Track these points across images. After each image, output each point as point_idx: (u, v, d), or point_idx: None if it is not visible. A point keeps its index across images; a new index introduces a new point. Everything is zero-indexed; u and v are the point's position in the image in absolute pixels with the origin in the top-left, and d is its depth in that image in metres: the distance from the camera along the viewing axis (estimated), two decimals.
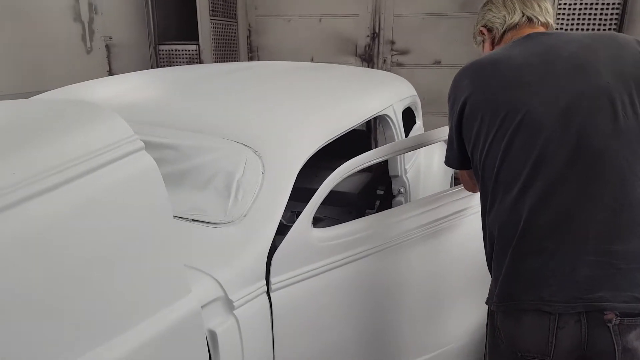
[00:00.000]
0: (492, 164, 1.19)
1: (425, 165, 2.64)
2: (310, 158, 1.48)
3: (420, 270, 1.64)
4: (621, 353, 1.06)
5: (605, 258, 1.07)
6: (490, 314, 1.24)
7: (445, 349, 1.80)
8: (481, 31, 1.43)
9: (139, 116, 1.63)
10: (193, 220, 1.30)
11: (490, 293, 1.24)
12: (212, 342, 1.10)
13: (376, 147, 2.92)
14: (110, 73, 4.28)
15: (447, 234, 1.68)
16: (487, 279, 1.28)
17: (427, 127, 3.29)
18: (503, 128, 1.16)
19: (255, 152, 1.41)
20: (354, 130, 1.82)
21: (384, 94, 2.18)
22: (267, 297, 1.24)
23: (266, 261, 1.24)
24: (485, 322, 1.29)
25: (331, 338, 1.44)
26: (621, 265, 1.06)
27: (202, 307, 1.06)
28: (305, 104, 1.75)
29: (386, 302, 1.59)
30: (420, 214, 1.61)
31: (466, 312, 1.83)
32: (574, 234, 1.09)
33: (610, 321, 1.06)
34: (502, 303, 1.18)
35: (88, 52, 4.06)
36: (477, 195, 1.61)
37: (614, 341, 1.06)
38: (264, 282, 1.24)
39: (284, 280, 1.27)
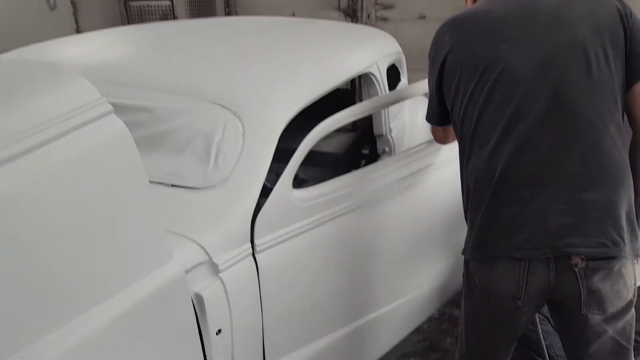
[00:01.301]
0: (470, 118, 1.21)
1: (410, 124, 2.61)
2: (295, 118, 1.46)
3: (395, 223, 1.70)
4: (586, 294, 1.13)
5: (576, 207, 1.12)
6: (465, 263, 1.29)
7: (418, 292, 1.91)
8: None
9: (110, 76, 1.56)
10: (172, 185, 1.27)
11: (465, 243, 1.29)
12: (198, 305, 1.10)
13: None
14: (78, 31, 4.07)
15: (419, 187, 1.75)
16: (458, 226, 1.31)
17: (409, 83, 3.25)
18: (482, 82, 1.17)
19: (234, 113, 1.37)
20: (337, 89, 1.80)
21: (367, 51, 2.11)
22: (252, 259, 1.24)
23: (250, 224, 1.23)
24: (462, 272, 1.34)
25: (316, 292, 1.48)
26: (591, 214, 1.11)
27: (186, 271, 1.06)
28: (286, 61, 1.69)
29: (365, 254, 1.64)
30: (395, 169, 1.66)
31: (437, 258, 1.97)
32: (547, 184, 1.13)
33: (576, 265, 1.12)
34: (476, 251, 1.23)
35: (52, 8, 3.83)
36: (447, 147, 1.72)
37: (580, 283, 1.13)
38: (249, 244, 1.23)
39: (268, 242, 1.26)
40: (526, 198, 1.14)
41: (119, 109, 1.37)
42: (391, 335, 1.90)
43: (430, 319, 2.38)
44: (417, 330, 2.29)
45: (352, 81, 2.74)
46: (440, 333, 2.30)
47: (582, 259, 1.11)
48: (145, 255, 0.96)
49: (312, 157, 1.69)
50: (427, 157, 1.79)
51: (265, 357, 1.34)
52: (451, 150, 1.73)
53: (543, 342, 1.49)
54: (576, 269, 1.12)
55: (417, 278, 1.90)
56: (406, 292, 1.85)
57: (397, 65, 2.76)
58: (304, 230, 1.37)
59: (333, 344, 1.57)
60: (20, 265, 0.78)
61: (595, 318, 1.16)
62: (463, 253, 1.30)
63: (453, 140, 1.44)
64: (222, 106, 1.39)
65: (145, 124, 1.40)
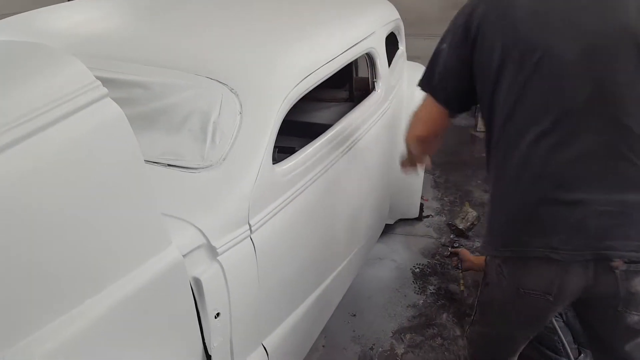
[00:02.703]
0: (503, 103, 1.10)
1: (408, 95, 2.56)
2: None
3: (352, 179, 1.84)
4: (625, 295, 1.10)
5: (617, 207, 1.06)
6: (491, 257, 1.24)
7: (364, 241, 2.12)
8: None
9: (103, 50, 1.50)
10: (169, 165, 1.24)
11: (490, 236, 1.22)
12: (197, 289, 1.09)
13: (356, 74, 2.82)
14: None
15: (367, 141, 1.91)
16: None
17: (409, 50, 3.17)
18: (519, 66, 1.06)
19: (231, 89, 1.33)
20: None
21: (368, 22, 2.04)
22: (250, 240, 1.23)
23: (248, 205, 1.21)
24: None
25: (301, 259, 1.52)
26: (634, 215, 1.06)
27: (184, 255, 1.04)
28: (285, 34, 1.63)
29: (336, 213, 1.74)
30: (351, 129, 1.76)
31: (377, 208, 2.26)
32: (589, 182, 1.07)
33: (617, 268, 1.07)
34: (506, 248, 1.17)
35: None
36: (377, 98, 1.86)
37: (619, 285, 1.09)
38: (248, 226, 1.22)
39: (260, 221, 1.26)
40: (565, 197, 1.07)
41: (113, 84, 1.35)
42: (345, 284, 2.06)
43: (426, 294, 2.44)
44: (413, 306, 2.35)
45: None
46: (436, 308, 2.34)
47: (623, 262, 1.07)
48: (144, 240, 0.94)
49: (308, 129, 1.67)
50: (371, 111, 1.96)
51: (260, 334, 1.35)
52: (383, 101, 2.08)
53: (560, 335, 1.51)
54: (617, 272, 1.08)
55: (367, 228, 2.11)
56: (359, 242, 2.03)
57: (396, 33, 2.69)
58: (288, 202, 1.38)
59: (313, 304, 1.63)
60: (17, 254, 0.76)
61: (633, 317, 1.13)
62: (484, 248, 1.25)
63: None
64: (219, 82, 1.34)
65: (140, 100, 1.35)
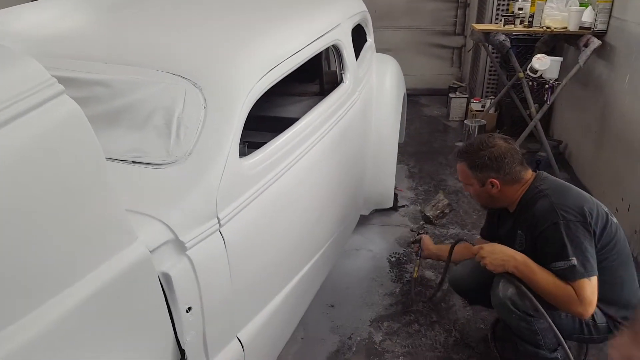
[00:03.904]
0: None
1: (378, 86, 2.60)
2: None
3: (325, 169, 1.87)
4: None
5: None
6: None
7: (341, 229, 2.17)
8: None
9: (64, 49, 1.48)
10: (134, 162, 1.23)
11: None
12: (166, 284, 1.09)
13: (328, 68, 2.84)
14: None
15: (338, 132, 1.95)
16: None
17: (379, 43, 3.19)
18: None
19: (194, 84, 1.32)
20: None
21: (332, 14, 2.06)
22: (219, 234, 1.23)
23: (215, 199, 1.21)
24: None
25: (274, 251, 1.54)
26: None
27: (152, 251, 1.05)
28: (247, 27, 1.63)
29: (310, 202, 1.78)
30: (319, 121, 1.79)
31: (351, 195, 2.30)
32: None
33: None
34: None
35: None
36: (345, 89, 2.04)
37: None
38: (216, 220, 1.22)
39: (229, 214, 1.26)
40: None
41: (75, 84, 1.34)
42: (321, 276, 2.09)
43: (402, 282, 2.48)
44: (390, 294, 2.39)
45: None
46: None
47: None
48: (108, 237, 0.93)
49: (279, 124, 1.68)
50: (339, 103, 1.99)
51: (235, 326, 1.36)
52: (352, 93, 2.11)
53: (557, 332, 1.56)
54: None
55: (340, 219, 2.14)
56: (333, 233, 2.06)
57: (363, 25, 2.71)
58: (257, 195, 1.39)
59: (288, 296, 1.65)
60: None
61: None
62: None
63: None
64: (182, 77, 1.33)
65: (103, 99, 1.33)
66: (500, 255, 1.63)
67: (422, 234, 2.35)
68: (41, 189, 0.81)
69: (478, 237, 2.14)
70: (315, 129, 1.72)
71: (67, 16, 1.77)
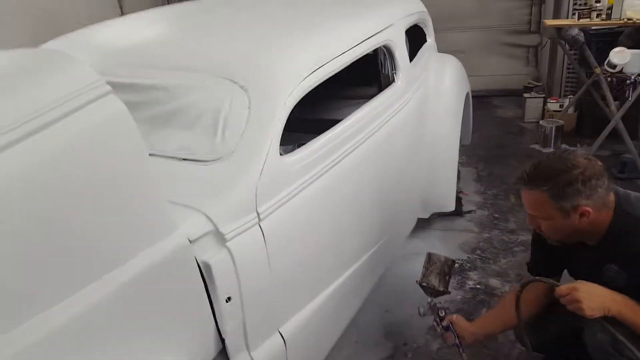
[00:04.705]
0: None
1: (435, 86, 2.54)
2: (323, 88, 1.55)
3: (372, 169, 1.84)
4: None
5: None
6: None
7: (397, 231, 2.15)
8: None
9: (133, 59, 1.64)
10: (183, 159, 1.32)
11: None
12: (207, 273, 1.16)
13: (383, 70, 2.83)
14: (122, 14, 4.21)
15: (387, 133, 1.92)
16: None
17: (449, 45, 3.11)
18: None
19: (241, 86, 1.39)
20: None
21: (383, 14, 2.06)
22: (258, 227, 1.28)
23: (255, 194, 1.27)
24: None
25: (317, 248, 1.55)
26: None
27: (193, 241, 1.11)
28: (294, 30, 1.69)
29: (356, 201, 1.76)
30: (366, 122, 1.78)
31: (405, 200, 2.25)
32: None
33: None
34: None
35: None
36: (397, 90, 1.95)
37: None
38: (255, 214, 1.27)
39: (269, 208, 1.31)
40: None
41: (135, 89, 1.47)
42: (370, 277, 2.03)
43: (465, 290, 2.39)
44: (451, 302, 2.29)
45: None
46: (474, 304, 2.28)
47: None
48: (149, 226, 1.01)
49: (331, 126, 1.71)
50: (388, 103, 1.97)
51: (276, 320, 1.40)
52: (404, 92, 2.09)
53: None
54: None
55: (393, 220, 2.10)
56: (384, 235, 2.02)
57: (422, 26, 2.67)
58: (298, 192, 1.42)
59: (333, 295, 1.65)
60: (30, 242, 0.84)
61: None
62: None
63: None
64: (231, 80, 1.41)
65: (161, 102, 1.46)
66: (601, 297, 1.33)
67: (444, 315, 1.74)
68: (87, 178, 0.90)
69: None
70: (361, 128, 1.72)
71: (141, 29, 1.95)
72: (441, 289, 1.83)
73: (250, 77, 1.42)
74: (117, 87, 1.44)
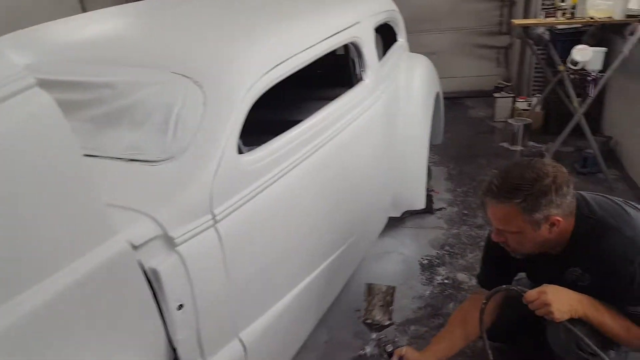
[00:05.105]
0: None
1: (405, 85, 2.51)
2: (290, 88, 1.52)
3: (336, 168, 1.78)
4: None
5: None
6: None
7: (366, 230, 2.08)
8: None
9: (80, 55, 1.55)
10: (131, 160, 1.25)
11: None
12: (155, 280, 1.09)
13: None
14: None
15: (351, 132, 1.86)
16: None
17: (423, 46, 3.10)
18: None
19: (195, 82, 1.33)
20: (333, 55, 1.76)
21: (347, 11, 2.02)
22: (214, 230, 1.22)
23: (209, 195, 1.20)
24: None
25: (280, 248, 1.49)
26: None
27: (138, 246, 1.04)
28: (253, 26, 1.63)
29: (321, 201, 1.69)
30: (328, 120, 1.71)
31: (374, 196, 2.17)
32: None
33: None
34: None
35: None
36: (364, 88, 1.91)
37: None
38: (210, 215, 1.21)
39: (226, 210, 1.24)
40: None
41: (85, 87, 1.38)
42: (338, 279, 1.99)
43: (433, 285, 2.37)
44: (419, 298, 2.29)
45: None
46: (442, 299, 2.27)
47: None
48: (85, 231, 0.94)
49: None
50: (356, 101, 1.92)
51: (235, 326, 1.34)
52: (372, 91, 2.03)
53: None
54: None
55: (360, 220, 2.04)
56: (351, 235, 1.97)
57: (392, 25, 2.64)
58: (258, 192, 1.35)
59: (298, 298, 1.59)
60: None
61: None
62: None
63: None
64: (184, 75, 1.34)
65: (109, 100, 1.37)
66: (568, 300, 1.31)
67: (392, 350, 1.59)
68: (12, 179, 0.82)
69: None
70: (327, 126, 1.68)
71: (89, 27, 1.86)
72: (386, 323, 1.76)
73: (206, 72, 1.35)
74: (64, 86, 1.39)
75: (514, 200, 1.27)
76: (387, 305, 1.87)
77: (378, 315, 1.85)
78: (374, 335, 1.79)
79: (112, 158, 1.25)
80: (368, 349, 2.00)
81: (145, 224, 1.08)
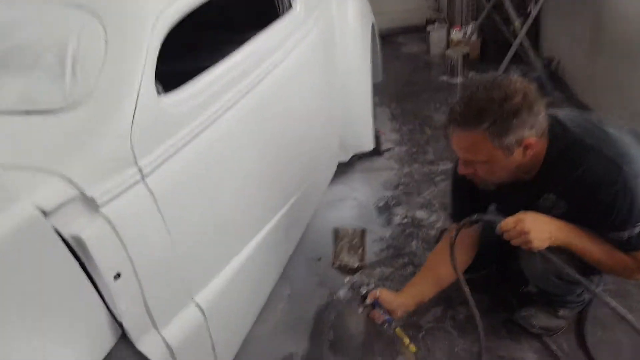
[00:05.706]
0: None
1: (339, 15, 2.34)
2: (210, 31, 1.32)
3: (278, 112, 1.61)
4: None
5: None
6: None
7: (317, 178, 1.96)
8: None
9: None
10: (26, 112, 1.02)
11: None
12: (80, 249, 0.91)
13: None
14: None
15: (287, 72, 1.68)
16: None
17: None
18: None
19: (93, 14, 1.10)
20: None
21: None
22: (144, 185, 1.04)
23: (130, 144, 1.01)
24: None
25: (225, 202, 1.34)
26: None
27: (49, 212, 0.85)
28: None
29: (261, 146, 1.52)
30: (261, 54, 1.53)
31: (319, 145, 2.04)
32: None
33: None
34: None
35: None
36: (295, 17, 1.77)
37: None
38: (136, 168, 1.02)
39: (153, 161, 1.05)
40: None
41: None
42: (292, 232, 1.86)
43: (392, 226, 2.31)
44: (380, 240, 2.23)
45: None
46: (404, 238, 2.22)
47: None
48: None
49: None
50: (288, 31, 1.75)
51: (188, 290, 1.19)
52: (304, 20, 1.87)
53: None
54: None
55: (309, 167, 1.90)
56: (301, 184, 1.84)
57: None
58: (190, 138, 1.17)
59: (252, 255, 1.46)
60: None
61: None
62: None
63: None
64: (77, 6, 1.11)
65: None
66: (547, 227, 1.20)
67: (366, 292, 1.52)
68: None
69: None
70: (260, 60, 1.49)
71: None
72: (356, 265, 1.63)
73: (105, 2, 1.13)
74: None
75: (482, 125, 1.14)
76: (356, 248, 1.69)
77: (347, 259, 1.67)
78: (346, 280, 1.66)
79: (2, 112, 1.02)
80: (341, 293, 1.91)
81: (54, 184, 0.88)
